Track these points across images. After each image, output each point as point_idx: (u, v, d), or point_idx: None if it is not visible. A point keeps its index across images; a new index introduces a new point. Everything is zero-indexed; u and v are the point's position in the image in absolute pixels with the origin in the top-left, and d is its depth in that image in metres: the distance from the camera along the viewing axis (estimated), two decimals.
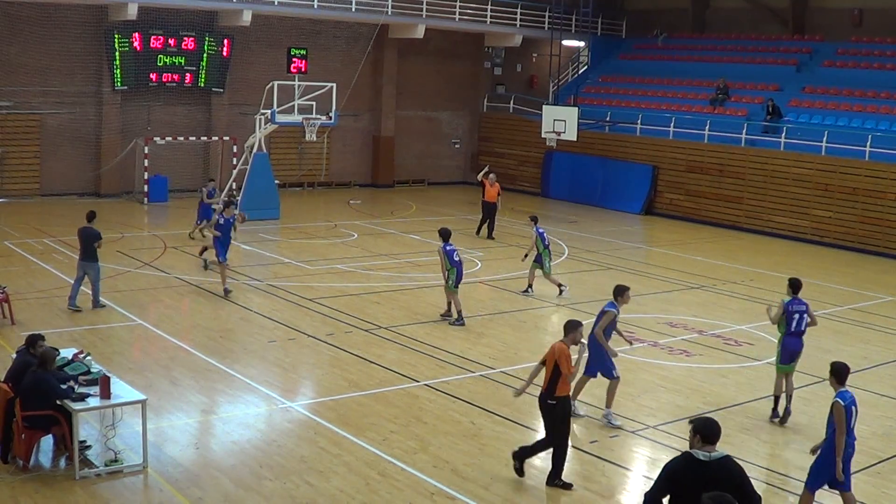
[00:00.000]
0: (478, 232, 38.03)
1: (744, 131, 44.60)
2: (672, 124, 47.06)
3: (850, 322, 27.40)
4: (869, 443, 17.68)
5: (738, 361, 22.75)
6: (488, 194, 37.59)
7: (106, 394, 14.90)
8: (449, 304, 24.62)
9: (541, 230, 27.89)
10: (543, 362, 15.54)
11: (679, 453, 16.40)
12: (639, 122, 48.47)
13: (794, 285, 19.63)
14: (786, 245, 40.86)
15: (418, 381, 19.63)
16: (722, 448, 16.49)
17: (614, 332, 18.44)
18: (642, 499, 9.74)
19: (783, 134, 43.40)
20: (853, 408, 13.53)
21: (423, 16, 49.55)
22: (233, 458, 15.64)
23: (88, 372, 15.62)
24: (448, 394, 19.11)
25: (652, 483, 9.77)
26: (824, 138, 41.65)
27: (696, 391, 20.26)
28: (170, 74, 44.20)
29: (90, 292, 24.15)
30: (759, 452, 17.16)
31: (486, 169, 39.79)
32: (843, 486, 13.77)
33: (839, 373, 13.94)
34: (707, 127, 45.73)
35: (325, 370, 20.73)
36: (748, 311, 27.61)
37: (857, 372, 22.14)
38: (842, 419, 13.34)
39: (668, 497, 9.58)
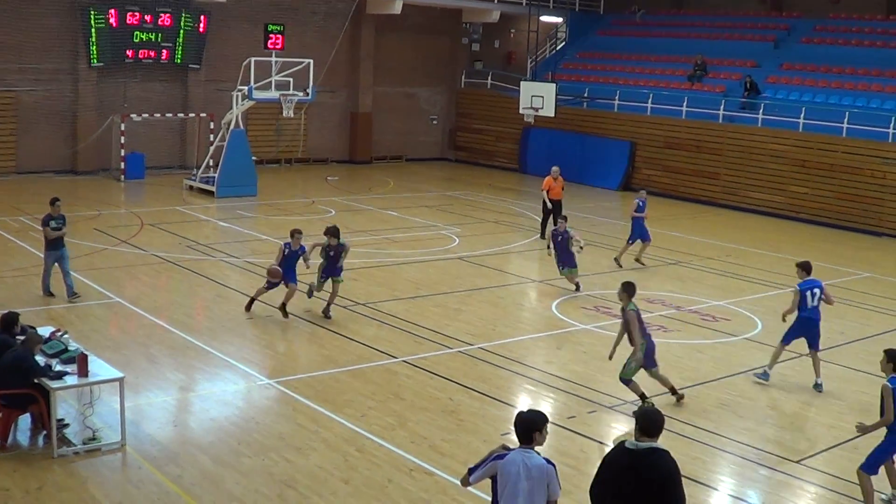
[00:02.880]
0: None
1: (721, 108, 44.65)
2: (650, 100, 47.10)
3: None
4: (846, 417, 17.77)
5: (715, 337, 22.83)
6: (554, 191, 33.69)
7: (83, 372, 14.87)
8: None
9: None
10: None
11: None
12: (617, 98, 48.48)
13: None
14: (762, 221, 40.98)
15: (396, 358, 19.65)
16: (701, 423, 16.70)
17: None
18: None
19: (761, 110, 43.47)
20: None
21: None
22: (211, 436, 15.64)
23: (66, 350, 15.59)
24: (426, 370, 19.14)
25: None
26: (802, 115, 41.75)
27: (673, 366, 20.29)
28: (146, 51, 43.96)
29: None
30: (735, 427, 17.22)
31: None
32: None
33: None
34: (685, 103, 45.78)
35: (303, 347, 20.75)
36: (725, 287, 27.71)
37: (833, 347, 22.34)
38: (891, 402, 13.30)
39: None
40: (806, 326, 19.49)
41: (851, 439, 16.04)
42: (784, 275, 28.99)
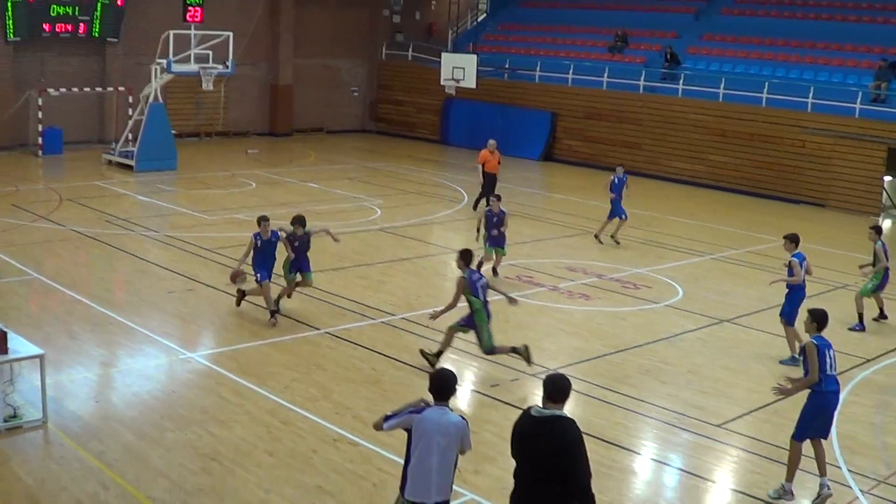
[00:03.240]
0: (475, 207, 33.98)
1: (642, 78, 44.94)
2: (571, 71, 47.23)
3: (746, 265, 27.80)
4: (766, 382, 17.94)
5: (636, 304, 23.00)
6: (490, 165, 33.40)
7: (2, 349, 14.66)
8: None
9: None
10: None
11: (573, 397, 16.66)
12: (538, 69, 48.57)
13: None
14: (683, 189, 41.35)
15: (319, 329, 19.58)
16: (624, 389, 16.82)
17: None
18: None
19: (681, 81, 43.78)
20: (828, 351, 13.30)
21: None
22: (133, 411, 15.51)
23: None
24: (349, 341, 19.11)
25: None
26: (721, 85, 42.12)
27: (595, 334, 20.47)
28: (63, 24, 43.28)
29: None
30: (658, 392, 17.38)
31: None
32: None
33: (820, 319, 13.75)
34: (606, 74, 45.96)
35: (225, 320, 20.61)
36: (646, 255, 27.91)
37: (754, 313, 22.61)
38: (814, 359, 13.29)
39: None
40: (802, 298, 19.66)
41: (771, 403, 16.23)
42: (704, 242, 29.29)
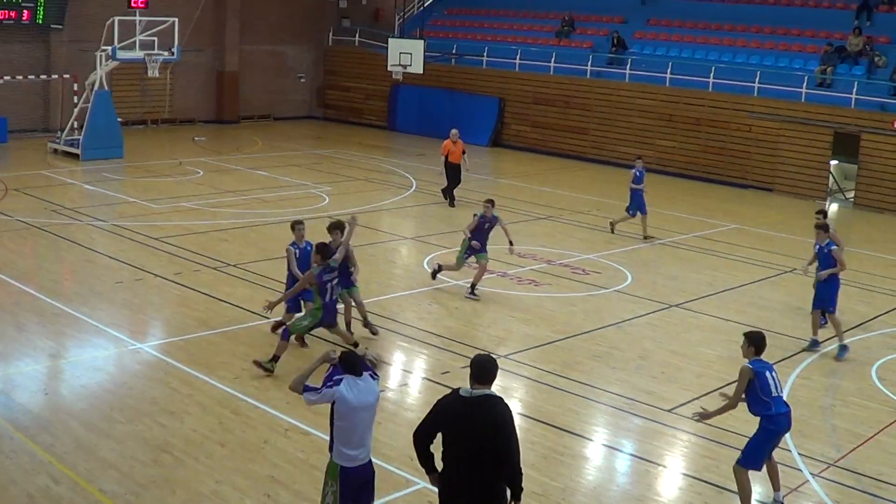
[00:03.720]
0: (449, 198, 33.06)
1: (589, 63, 45.00)
2: (518, 56, 47.25)
3: (695, 249, 27.97)
4: (715, 366, 18.13)
5: (586, 290, 23.07)
6: (453, 155, 32.71)
7: None
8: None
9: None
10: None
11: (524, 383, 16.70)
12: (485, 54, 48.57)
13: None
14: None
15: (269, 318, 19.49)
16: (574, 375, 16.87)
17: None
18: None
19: (628, 66, 43.94)
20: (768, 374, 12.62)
21: None
22: (83, 403, 15.40)
23: None
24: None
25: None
26: (668, 70, 42.31)
27: (545, 320, 20.51)
28: (6, 11, 42.69)
29: None
30: (608, 378, 17.45)
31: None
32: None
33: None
34: (553, 59, 46.02)
35: (174, 310, 20.49)
36: (595, 241, 28.01)
37: (702, 298, 22.75)
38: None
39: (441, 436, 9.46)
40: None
41: (723, 386, 16.36)
42: (653, 227, 29.35)
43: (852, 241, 33.06)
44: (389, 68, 46.83)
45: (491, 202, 22.48)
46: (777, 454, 13.78)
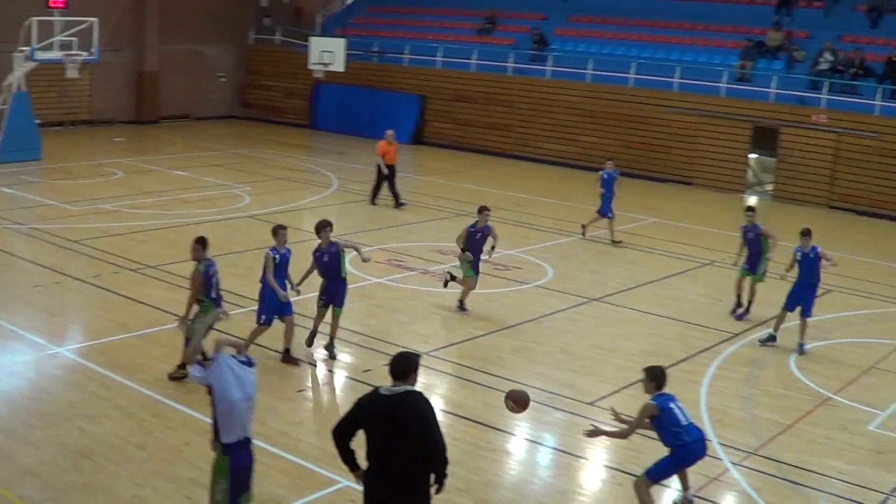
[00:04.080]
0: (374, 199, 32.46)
1: (511, 60, 45.11)
2: (440, 54, 47.25)
3: (617, 245, 28.07)
4: (636, 359, 18.18)
5: (507, 285, 23.11)
6: (389, 156, 32.11)
7: None
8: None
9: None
10: None
11: (446, 380, 16.69)
12: (406, 52, 48.52)
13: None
14: (554, 171, 41.65)
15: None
16: (495, 370, 16.89)
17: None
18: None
19: (549, 62, 44.07)
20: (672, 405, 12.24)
21: None
22: (1, 409, 15.14)
23: None
24: (219, 331, 18.81)
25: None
26: (589, 66, 42.50)
27: (467, 316, 20.51)
28: None
29: None
30: (530, 372, 17.48)
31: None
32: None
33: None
34: (474, 56, 46.07)
35: (93, 313, 20.24)
36: (517, 237, 28.02)
37: (622, 291, 22.89)
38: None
39: (363, 434, 9.45)
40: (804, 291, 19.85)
41: (641, 380, 16.45)
42: (573, 222, 29.48)
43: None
44: (311, 67, 46.66)
45: (486, 210, 21.50)
46: None
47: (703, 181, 39.85)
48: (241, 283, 21.49)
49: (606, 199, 28.43)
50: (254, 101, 55.19)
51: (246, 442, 10.19)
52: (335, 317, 17.75)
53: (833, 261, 19.74)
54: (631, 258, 26.44)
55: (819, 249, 19.60)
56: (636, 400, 16.03)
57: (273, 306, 17.24)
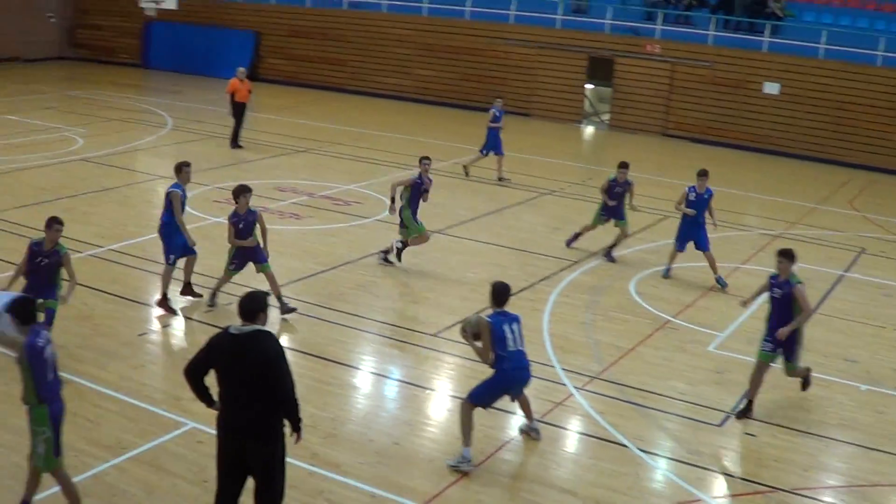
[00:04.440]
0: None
1: None
2: None
3: (454, 176, 28.19)
4: (479, 290, 18.27)
5: (348, 221, 23.01)
6: (240, 94, 31.08)
7: None
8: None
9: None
10: None
11: (290, 317, 16.57)
12: None
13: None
14: (390, 104, 41.59)
15: None
16: (339, 305, 16.82)
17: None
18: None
19: None
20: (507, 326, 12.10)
21: None
22: None
23: None
24: None
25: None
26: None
27: (308, 253, 20.38)
28: None
29: None
30: (373, 307, 17.47)
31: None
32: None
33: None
34: None
35: None
36: (356, 171, 27.92)
37: (463, 223, 22.96)
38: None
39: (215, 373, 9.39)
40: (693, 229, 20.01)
41: (483, 309, 16.54)
42: (413, 155, 29.41)
43: (608, 162, 33.87)
44: (142, 5, 45.54)
45: (428, 159, 20.10)
46: (541, 371, 14.07)
47: (541, 112, 40.20)
48: (78, 227, 20.93)
49: (493, 134, 28.20)
50: (85, 42, 53.75)
51: (59, 386, 10.13)
52: (267, 273, 16.80)
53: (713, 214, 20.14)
54: (471, 189, 26.53)
55: (713, 191, 19.88)
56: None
57: (180, 244, 16.90)
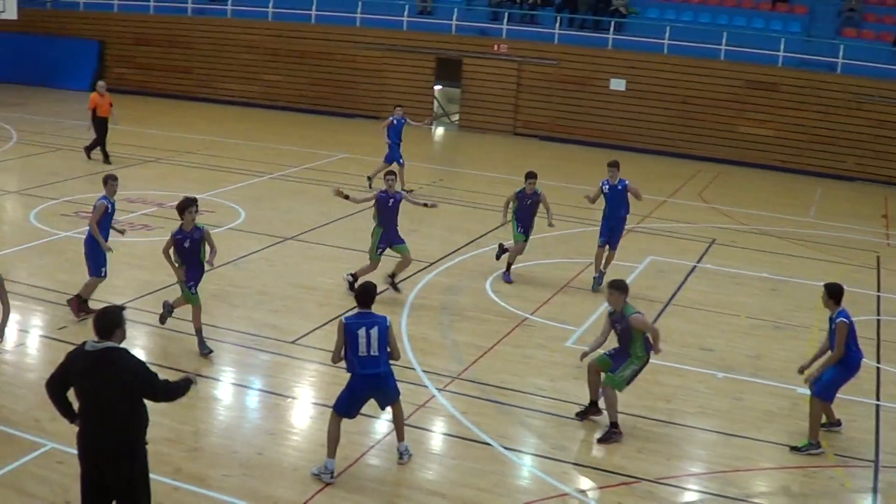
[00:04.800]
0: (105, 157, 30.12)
1: (190, 1, 44.27)
2: None
3: (306, 181, 28.13)
4: (335, 295, 18.42)
5: None
6: (102, 109, 30.15)
7: None
8: None
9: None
10: None
11: (145, 331, 16.34)
12: None
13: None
14: (238, 111, 41.32)
15: None
16: (185, 313, 16.58)
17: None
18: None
19: (230, 2, 43.45)
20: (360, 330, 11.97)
21: None
22: None
23: None
24: None
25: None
26: (270, 4, 42.16)
27: (160, 264, 19.72)
28: None
29: None
30: (230, 316, 17.30)
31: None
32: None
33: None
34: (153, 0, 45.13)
35: None
36: (207, 180, 27.64)
37: (317, 228, 22.94)
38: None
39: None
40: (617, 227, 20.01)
41: (341, 314, 16.54)
42: (263, 162, 29.37)
43: (459, 163, 34.13)
44: None
45: (393, 175, 19.03)
46: (401, 373, 14.06)
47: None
48: None
49: (394, 146, 27.89)
50: None
51: None
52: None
53: (639, 195, 20.24)
54: (324, 195, 26.44)
55: (627, 182, 19.99)
56: (331, 334, 16.23)
57: (103, 256, 16.88)
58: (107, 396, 8.93)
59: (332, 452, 11.91)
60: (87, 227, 16.86)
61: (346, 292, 18.51)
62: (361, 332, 11.76)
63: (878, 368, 16.33)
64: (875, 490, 12.64)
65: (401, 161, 27.79)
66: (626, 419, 13.84)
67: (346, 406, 12.03)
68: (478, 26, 40.11)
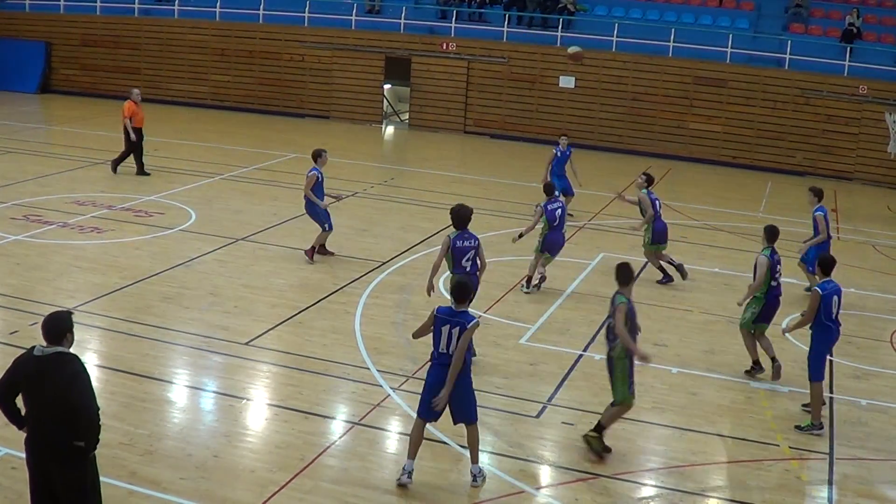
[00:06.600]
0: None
1: (137, 2, 43.97)
2: None
3: (257, 182, 28.01)
4: (287, 295, 18.24)
5: (150, 232, 22.54)
6: (138, 118, 28.37)
7: None
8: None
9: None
10: None
11: (97, 334, 16.20)
12: None
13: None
14: (186, 112, 41.08)
15: None
16: (147, 319, 16.48)
17: None
18: None
19: (177, 3, 43.20)
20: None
21: None
22: None
23: None
24: None
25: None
26: (218, 5, 41.97)
27: (112, 267, 19.90)
28: None
29: None
30: (182, 318, 17.17)
31: None
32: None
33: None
34: (99, 0, 44.68)
35: None
36: (156, 182, 27.39)
37: (268, 229, 22.84)
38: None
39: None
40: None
41: (296, 314, 16.52)
42: (213, 163, 29.20)
43: (410, 162, 34.11)
44: None
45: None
46: (356, 373, 14.01)
47: (340, 114, 40.22)
48: None
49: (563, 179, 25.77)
50: None
51: None
52: None
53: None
54: (274, 195, 26.36)
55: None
56: (290, 335, 16.21)
57: (324, 214, 20.78)
58: (53, 400, 8.89)
59: (410, 454, 11.92)
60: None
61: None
62: (445, 328, 11.80)
63: (830, 362, 16.41)
64: (830, 482, 12.72)
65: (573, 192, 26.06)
66: (582, 416, 13.88)
67: (424, 406, 11.90)
68: (426, 25, 40.11)
